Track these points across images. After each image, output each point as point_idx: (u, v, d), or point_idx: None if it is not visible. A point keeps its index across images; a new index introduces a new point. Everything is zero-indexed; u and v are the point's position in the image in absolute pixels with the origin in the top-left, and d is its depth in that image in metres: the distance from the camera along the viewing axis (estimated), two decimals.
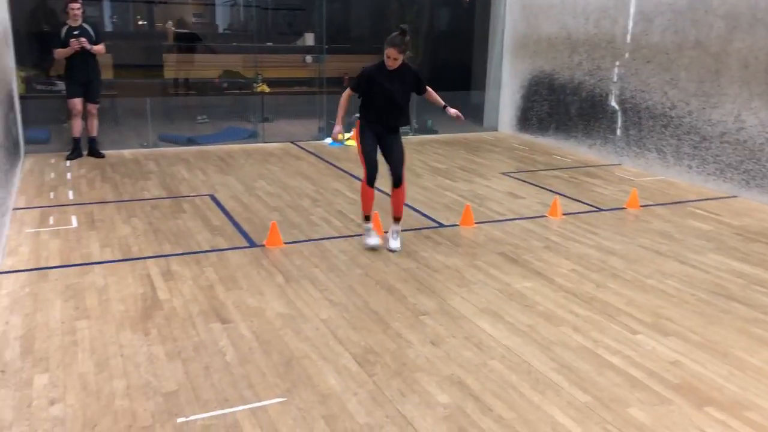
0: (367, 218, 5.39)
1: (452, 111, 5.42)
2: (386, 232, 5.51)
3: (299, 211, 6.38)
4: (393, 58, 5.04)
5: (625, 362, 3.68)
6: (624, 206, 6.76)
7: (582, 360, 3.70)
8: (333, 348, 3.77)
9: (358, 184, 7.40)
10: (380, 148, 5.31)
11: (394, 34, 5.00)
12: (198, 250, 5.27)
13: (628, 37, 8.49)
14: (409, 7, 12.62)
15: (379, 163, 5.27)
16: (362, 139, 5.28)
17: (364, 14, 13.41)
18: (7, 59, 7.65)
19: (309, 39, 11.91)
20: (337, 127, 5.41)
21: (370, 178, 5.26)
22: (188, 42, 11.25)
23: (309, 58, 11.48)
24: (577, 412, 3.20)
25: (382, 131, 5.28)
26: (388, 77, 5.14)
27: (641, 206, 6.75)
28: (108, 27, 11.47)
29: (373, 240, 5.37)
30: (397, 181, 5.31)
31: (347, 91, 5.30)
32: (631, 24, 8.45)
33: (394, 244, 5.36)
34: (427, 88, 5.43)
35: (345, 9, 13.03)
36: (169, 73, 10.76)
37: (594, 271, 5.01)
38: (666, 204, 6.90)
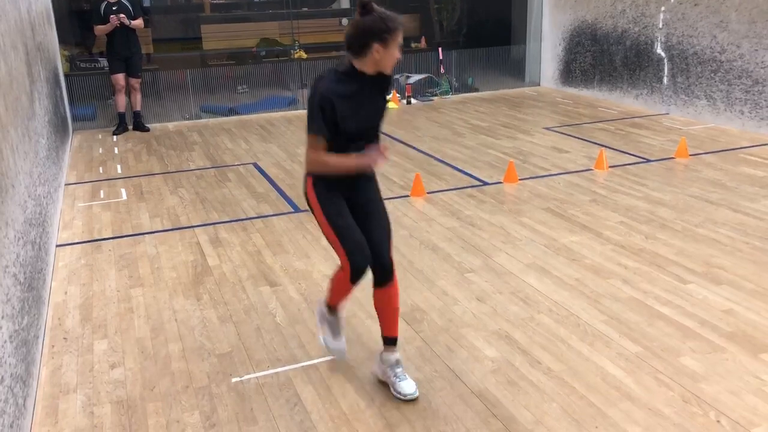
0: (333, 308, 3.19)
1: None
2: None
3: None
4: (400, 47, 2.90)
5: (676, 312, 3.62)
6: (672, 156, 6.58)
7: (632, 311, 3.66)
8: None
9: (400, 146, 7.41)
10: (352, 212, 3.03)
11: (378, 13, 2.82)
12: (244, 217, 5.36)
13: None
14: None
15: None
16: (327, 210, 2.98)
17: None
18: (51, 38, 7.80)
19: (344, 1, 11.80)
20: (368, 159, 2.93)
21: (358, 272, 2.94)
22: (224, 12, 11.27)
23: (345, 21, 11.39)
24: (628, 363, 3.18)
25: (353, 184, 3.02)
26: (362, 90, 2.90)
27: (690, 155, 6.56)
28: (146, 2, 11.55)
29: (338, 344, 3.21)
30: (385, 274, 3.02)
31: (317, 150, 2.89)
32: None
33: (407, 387, 3.01)
34: None
35: None
36: (207, 45, 10.82)
37: (642, 223, 4.91)
38: (717, 152, 6.69)
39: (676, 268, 4.16)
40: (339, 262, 2.98)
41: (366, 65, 2.86)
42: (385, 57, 2.84)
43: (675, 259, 4.29)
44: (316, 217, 3.04)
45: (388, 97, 3.14)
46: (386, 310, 3.07)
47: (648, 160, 6.50)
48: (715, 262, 4.21)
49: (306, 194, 3.07)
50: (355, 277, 2.95)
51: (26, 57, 4.94)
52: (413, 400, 2.97)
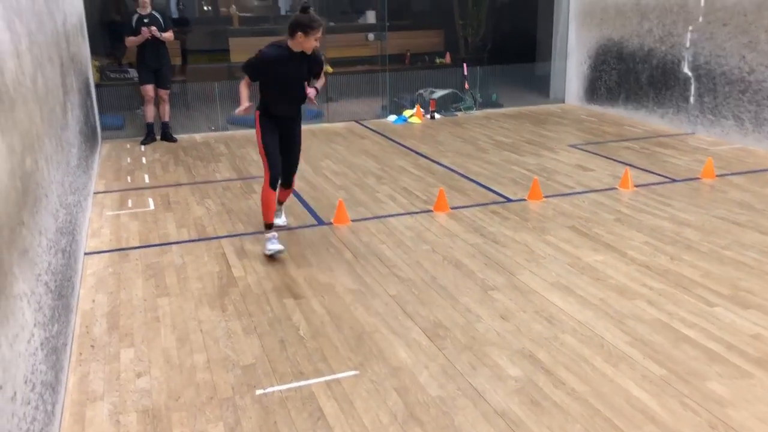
0: (269, 226, 4.82)
1: (310, 91, 4.79)
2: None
3: (365, 189, 6.43)
4: (317, 39, 4.55)
5: (702, 335, 3.59)
6: (699, 176, 6.53)
7: (657, 333, 3.63)
8: (402, 322, 3.82)
9: (423, 161, 7.44)
10: (280, 142, 4.83)
11: (309, 14, 4.46)
12: None
13: (702, 0, 8.13)
14: None
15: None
16: (263, 135, 4.75)
17: None
18: (84, 49, 7.96)
19: (370, 17, 11.89)
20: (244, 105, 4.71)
21: (274, 179, 4.74)
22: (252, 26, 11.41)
23: (371, 36, 11.47)
24: (653, 386, 3.15)
25: (282, 123, 4.81)
26: (293, 59, 4.59)
27: (717, 176, 6.50)
28: (174, 14, 11.74)
29: (276, 245, 4.77)
30: (287, 185, 5.09)
31: (245, 79, 4.75)
32: None
33: (281, 220, 5.32)
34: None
35: None
36: (235, 57, 10.95)
37: (668, 244, 4.88)
38: (744, 173, 6.63)
39: (702, 290, 4.13)
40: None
41: (293, 44, 4.56)
42: (305, 43, 4.52)
43: (701, 281, 4.25)
44: (256, 138, 4.79)
45: (308, 69, 4.75)
46: (282, 194, 5.15)
47: (674, 180, 6.46)
48: (742, 286, 4.17)
49: (255, 122, 4.80)
50: (272, 183, 4.73)
51: (61, 68, 5.05)
52: (273, 257, 4.73)
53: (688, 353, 3.42)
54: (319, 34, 4.50)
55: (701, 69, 8.27)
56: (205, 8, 12.14)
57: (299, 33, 4.46)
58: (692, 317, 3.79)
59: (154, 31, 8.23)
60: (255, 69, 4.68)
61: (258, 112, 4.78)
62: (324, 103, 10.27)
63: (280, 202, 5.26)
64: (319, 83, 4.96)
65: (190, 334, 3.74)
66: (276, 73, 4.62)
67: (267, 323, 3.85)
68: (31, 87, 3.44)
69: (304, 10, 4.46)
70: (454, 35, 12.42)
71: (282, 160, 4.84)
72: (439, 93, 10.21)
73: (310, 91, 4.76)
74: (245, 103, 4.68)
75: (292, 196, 6.22)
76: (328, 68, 10.85)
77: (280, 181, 4.89)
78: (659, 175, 6.65)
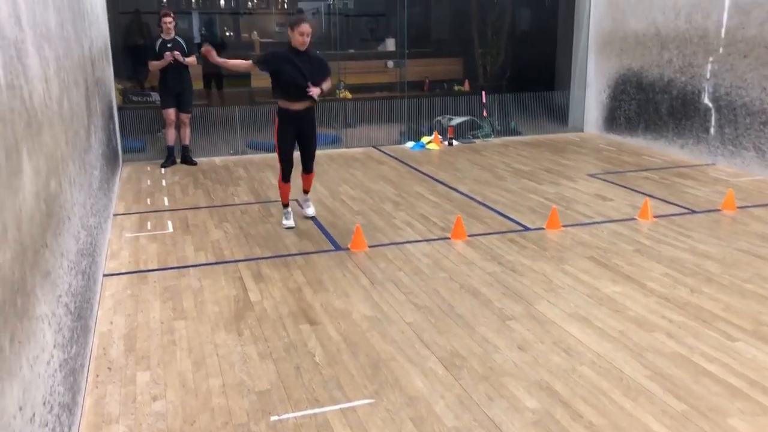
0: (286, 205, 6.14)
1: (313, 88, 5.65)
2: (297, 201, 6.54)
3: (382, 215, 6.44)
4: (307, 34, 5.51)
5: (723, 370, 3.53)
6: (719, 208, 6.48)
7: (677, 367, 3.58)
8: (419, 351, 3.80)
9: (441, 188, 7.45)
10: (297, 138, 5.90)
11: (298, 15, 5.99)
12: (286, 253, 5.42)
13: (723, 32, 8.13)
14: (489, 8, 12.54)
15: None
16: (279, 133, 5.80)
17: (444, 17, 13.41)
18: (108, 72, 8.10)
19: (390, 44, 12.01)
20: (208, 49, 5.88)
21: (285, 174, 5.96)
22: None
23: (390, 64, 11.57)
24: (673, 421, 3.10)
25: (299, 120, 5.78)
26: (298, 58, 5.60)
27: (738, 208, 6.45)
28: (197, 39, 11.93)
29: (291, 221, 6.07)
30: (308, 172, 6.16)
31: (249, 62, 5.84)
32: (725, 17, 8.09)
33: (310, 210, 6.33)
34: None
35: (425, 13, 13.07)
36: (256, 83, 11.09)
37: (688, 276, 4.83)
38: (765, 205, 6.57)
39: (723, 324, 4.07)
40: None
41: (293, 43, 5.58)
42: (294, 37, 5.55)
43: (722, 314, 4.19)
44: (274, 134, 5.85)
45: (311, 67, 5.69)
46: (305, 181, 6.22)
47: (694, 211, 6.41)
48: (764, 320, 4.10)
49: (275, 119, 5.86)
50: (285, 177, 5.97)
51: (86, 92, 5.14)
52: (311, 217, 6.28)
53: (710, 388, 3.37)
54: (303, 29, 5.48)
55: (722, 100, 8.24)
56: (228, 34, 12.33)
57: (289, 28, 5.60)
58: (713, 351, 3.73)
59: (177, 55, 8.37)
60: (263, 58, 5.82)
61: (277, 116, 5.80)
62: (342, 128, 10.35)
63: (306, 191, 6.31)
64: (325, 85, 5.79)
65: (206, 358, 3.75)
66: (282, 69, 5.60)
67: (283, 349, 3.85)
68: (58, 110, 3.50)
69: (300, 13, 5.96)
70: (473, 63, 12.50)
71: (301, 152, 5.98)
72: (458, 120, 10.25)
73: (313, 88, 5.60)
74: (214, 53, 5.83)
75: (310, 221, 6.25)
76: (347, 94, 10.96)
77: (300, 170, 6.08)
78: (679, 206, 6.61)
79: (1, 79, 2.21)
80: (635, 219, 6.19)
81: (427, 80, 11.86)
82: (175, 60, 8.38)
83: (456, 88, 11.89)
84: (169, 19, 8.46)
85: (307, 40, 5.55)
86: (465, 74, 12.29)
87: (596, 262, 5.11)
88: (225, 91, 11.32)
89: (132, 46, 10.83)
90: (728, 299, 4.42)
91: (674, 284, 4.68)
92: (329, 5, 11.83)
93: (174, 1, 11.89)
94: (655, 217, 6.21)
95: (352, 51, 11.88)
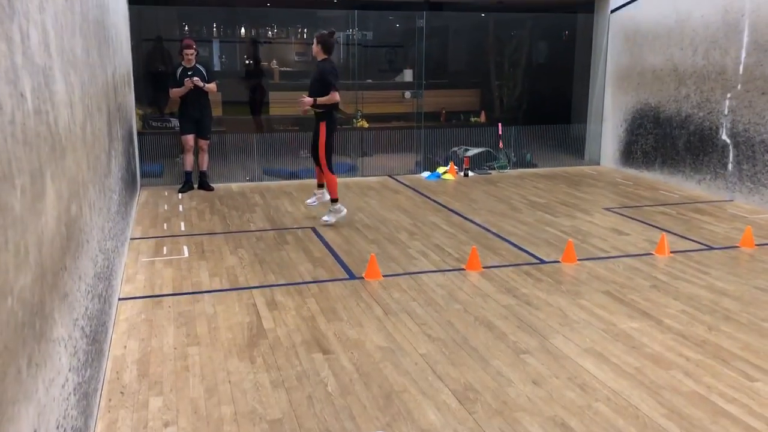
0: (334, 201, 7.05)
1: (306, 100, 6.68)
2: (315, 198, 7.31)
3: (397, 244, 6.44)
4: (314, 44, 6.72)
5: (742, 411, 3.47)
6: (737, 245, 6.42)
7: (694, 406, 3.52)
8: (432, 383, 3.77)
9: (456, 218, 7.44)
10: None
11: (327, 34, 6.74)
12: (300, 281, 5.42)
13: (741, 68, 8.14)
14: (507, 40, 12.64)
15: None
16: (327, 141, 6.89)
17: (462, 49, 13.54)
18: (130, 98, 8.22)
19: (407, 75, 12.11)
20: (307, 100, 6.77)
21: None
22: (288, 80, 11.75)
23: (408, 94, 11.67)
24: None
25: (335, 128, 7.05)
26: (315, 69, 6.89)
27: (757, 245, 6.38)
28: (216, 66, 12.11)
29: (340, 215, 7.05)
30: (319, 168, 7.13)
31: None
32: (744, 55, 8.10)
33: (311, 202, 7.41)
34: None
35: (443, 45, 13.20)
36: (274, 111, 11.21)
37: (705, 313, 4.77)
38: None
39: (742, 363, 4.00)
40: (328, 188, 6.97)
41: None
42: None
43: (740, 353, 4.13)
44: (320, 140, 6.86)
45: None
46: (318, 175, 7.20)
47: (711, 248, 6.35)
48: None
49: (319, 127, 6.89)
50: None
51: (108, 117, 5.22)
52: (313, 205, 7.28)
53: (728, 429, 3.31)
54: (314, 42, 6.67)
55: (740, 136, 8.22)
56: (247, 62, 12.50)
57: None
58: (732, 391, 3.67)
59: (197, 81, 8.48)
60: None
61: (324, 121, 6.88)
62: (358, 157, 10.41)
63: (319, 186, 7.25)
64: (321, 99, 6.59)
65: (218, 385, 3.73)
66: None
67: (295, 377, 3.83)
68: (81, 135, 3.55)
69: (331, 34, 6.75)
70: (490, 95, 12.58)
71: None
72: (474, 151, 10.28)
73: (302, 99, 6.66)
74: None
75: (323, 248, 6.26)
76: (364, 123, 11.03)
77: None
78: (696, 241, 6.56)
79: (29, 105, 2.26)
80: (652, 254, 6.14)
81: (443, 111, 11.93)
82: (195, 86, 8.50)
83: (472, 119, 11.95)
84: (191, 51, 8.60)
85: (314, 49, 6.60)
86: (481, 106, 12.36)
87: (612, 297, 5.07)
88: (243, 118, 11.45)
89: (153, 73, 11.01)
90: (746, 338, 4.35)
91: (692, 321, 4.62)
92: (348, 36, 11.98)
93: (196, 30, 12.10)
94: (672, 252, 6.16)
95: (369, 81, 11.99)
